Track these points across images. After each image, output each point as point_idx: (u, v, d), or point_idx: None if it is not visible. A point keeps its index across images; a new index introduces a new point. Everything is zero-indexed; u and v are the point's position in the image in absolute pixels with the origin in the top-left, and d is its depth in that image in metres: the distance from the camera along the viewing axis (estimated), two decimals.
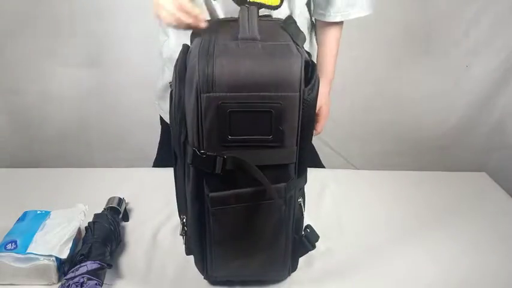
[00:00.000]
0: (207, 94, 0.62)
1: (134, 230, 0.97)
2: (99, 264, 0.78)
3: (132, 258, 0.89)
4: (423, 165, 1.83)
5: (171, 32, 1.01)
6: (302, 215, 0.78)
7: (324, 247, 0.93)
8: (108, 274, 0.83)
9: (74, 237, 0.85)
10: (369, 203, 1.12)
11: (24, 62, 1.76)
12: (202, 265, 0.79)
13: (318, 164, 1.28)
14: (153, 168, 1.25)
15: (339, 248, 0.95)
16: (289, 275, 0.84)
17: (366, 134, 1.91)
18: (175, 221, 0.94)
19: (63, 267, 0.82)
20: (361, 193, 1.16)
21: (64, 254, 0.81)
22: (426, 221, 1.06)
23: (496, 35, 1.80)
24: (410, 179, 1.24)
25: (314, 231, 0.81)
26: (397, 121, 1.95)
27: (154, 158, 1.26)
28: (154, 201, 1.05)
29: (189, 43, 0.75)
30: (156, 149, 1.25)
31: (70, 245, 0.83)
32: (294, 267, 0.83)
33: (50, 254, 0.79)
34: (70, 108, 1.87)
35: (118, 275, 0.85)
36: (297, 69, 0.63)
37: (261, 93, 0.62)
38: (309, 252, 0.82)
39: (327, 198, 1.12)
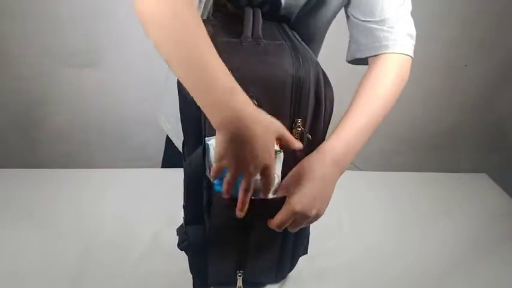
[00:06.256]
0: None
1: (134, 231, 0.97)
2: None
3: (132, 258, 0.89)
4: (423, 165, 1.83)
5: None
6: None
7: (324, 247, 0.93)
8: (108, 274, 0.83)
9: None
10: (370, 203, 1.12)
11: (24, 62, 1.76)
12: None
13: None
14: (153, 168, 1.24)
15: (339, 248, 0.95)
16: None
17: None
18: (175, 221, 0.94)
19: None
20: (362, 194, 1.16)
21: None
22: (427, 222, 1.06)
23: (494, 35, 1.79)
24: (410, 180, 1.24)
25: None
26: (395, 120, 1.94)
27: (162, 159, 1.26)
28: (154, 202, 1.05)
29: None
30: (155, 149, 1.25)
31: None
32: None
33: None
34: (70, 108, 1.87)
35: (118, 275, 0.85)
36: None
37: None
38: (309, 252, 0.81)
39: None
